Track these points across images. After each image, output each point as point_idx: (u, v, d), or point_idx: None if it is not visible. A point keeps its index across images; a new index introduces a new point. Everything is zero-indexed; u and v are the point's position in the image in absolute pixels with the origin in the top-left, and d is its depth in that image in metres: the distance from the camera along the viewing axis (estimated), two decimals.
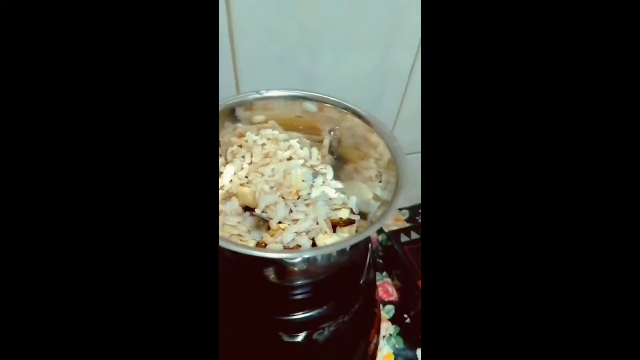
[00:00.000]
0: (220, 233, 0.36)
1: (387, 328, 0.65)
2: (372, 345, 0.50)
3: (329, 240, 0.35)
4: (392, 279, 0.70)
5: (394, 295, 0.69)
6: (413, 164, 0.47)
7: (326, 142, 0.43)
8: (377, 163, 0.37)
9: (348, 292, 0.38)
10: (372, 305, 0.47)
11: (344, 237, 0.36)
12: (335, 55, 0.56)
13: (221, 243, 0.26)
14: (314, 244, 0.35)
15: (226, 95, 0.42)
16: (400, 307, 0.66)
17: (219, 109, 0.39)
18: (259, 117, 0.41)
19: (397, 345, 0.63)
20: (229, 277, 0.38)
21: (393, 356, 0.63)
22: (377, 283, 0.64)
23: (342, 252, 0.33)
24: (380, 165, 0.36)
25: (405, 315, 0.66)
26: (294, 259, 0.28)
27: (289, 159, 0.41)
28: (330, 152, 0.43)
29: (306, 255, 0.27)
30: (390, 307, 0.67)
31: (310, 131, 0.43)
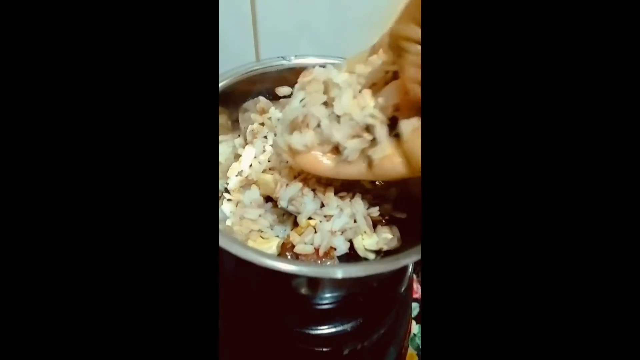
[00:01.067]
0: (237, 228, 0.30)
1: (411, 328, 0.60)
2: (403, 351, 0.45)
3: (370, 242, 0.29)
4: (417, 275, 0.65)
5: (418, 292, 0.63)
6: None
7: None
8: None
9: (386, 302, 0.33)
10: (407, 310, 0.41)
11: (387, 237, 0.30)
12: (364, 25, 0.50)
13: (234, 249, 0.20)
14: (351, 247, 0.29)
15: (245, 62, 0.36)
16: None
17: (238, 77, 0.33)
18: (284, 90, 0.35)
19: (421, 346, 0.58)
20: (243, 280, 0.33)
21: (417, 357, 0.58)
22: None
23: None
24: None
25: None
26: (326, 275, 0.22)
27: None
28: None
29: (341, 276, 0.21)
30: (414, 304, 0.62)
31: None
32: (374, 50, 0.28)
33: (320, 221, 0.29)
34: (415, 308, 0.62)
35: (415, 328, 0.60)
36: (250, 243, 0.30)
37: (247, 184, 0.33)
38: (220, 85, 0.31)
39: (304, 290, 0.26)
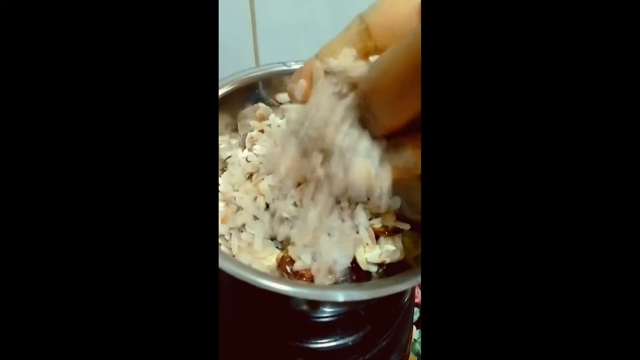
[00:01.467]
0: (234, 240, 0.30)
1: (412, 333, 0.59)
2: (404, 358, 0.44)
3: (372, 255, 0.28)
4: None
5: (419, 296, 0.63)
6: None
7: None
8: None
9: (389, 314, 0.32)
10: (409, 318, 0.40)
11: (389, 250, 0.29)
12: None
13: (228, 268, 0.19)
14: (352, 260, 0.28)
15: (244, 67, 0.35)
16: None
17: (236, 83, 0.32)
18: (283, 96, 0.34)
19: (421, 352, 0.58)
20: (239, 292, 0.32)
21: None
22: None
23: None
24: None
25: None
26: (327, 299, 0.21)
27: None
28: None
29: (343, 299, 0.20)
30: (415, 309, 0.61)
31: None
32: (356, 38, 0.24)
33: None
34: (415, 313, 0.61)
35: (415, 333, 0.59)
36: (247, 255, 0.29)
37: None
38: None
39: (303, 308, 0.25)
